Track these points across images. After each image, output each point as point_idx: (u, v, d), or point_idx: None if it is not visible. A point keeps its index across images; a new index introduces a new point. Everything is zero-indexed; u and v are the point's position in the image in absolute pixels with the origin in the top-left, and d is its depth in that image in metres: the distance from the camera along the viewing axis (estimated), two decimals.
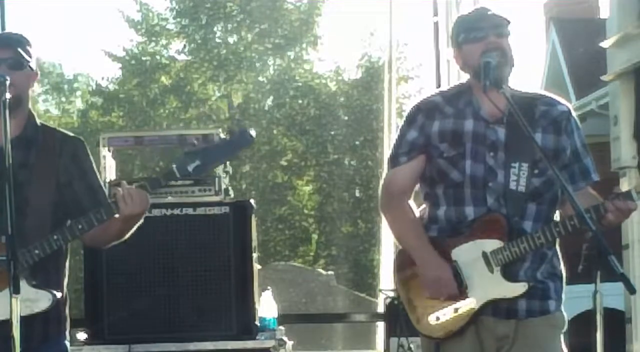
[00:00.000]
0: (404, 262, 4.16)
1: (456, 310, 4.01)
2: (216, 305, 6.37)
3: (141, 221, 3.98)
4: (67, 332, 4.10)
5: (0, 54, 3.95)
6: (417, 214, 4.17)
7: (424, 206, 4.19)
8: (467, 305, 4.00)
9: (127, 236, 4.05)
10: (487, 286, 3.99)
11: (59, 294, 3.92)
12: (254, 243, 6.56)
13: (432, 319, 4.04)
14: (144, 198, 3.85)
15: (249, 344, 6.38)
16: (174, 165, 3.86)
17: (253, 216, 6.56)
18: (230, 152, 3.91)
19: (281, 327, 6.75)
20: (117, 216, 3.90)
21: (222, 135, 3.93)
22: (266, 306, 6.75)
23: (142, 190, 3.86)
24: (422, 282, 4.02)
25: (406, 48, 26.79)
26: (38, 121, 4.10)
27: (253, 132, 3.90)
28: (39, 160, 4.00)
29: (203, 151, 3.86)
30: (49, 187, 3.97)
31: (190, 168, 3.84)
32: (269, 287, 7.08)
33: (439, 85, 8.59)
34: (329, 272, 23.03)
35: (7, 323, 3.56)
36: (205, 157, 3.85)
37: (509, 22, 4.10)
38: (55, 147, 4.04)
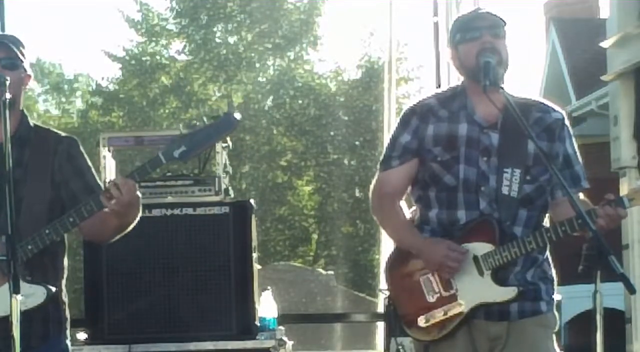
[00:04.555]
0: (395, 264, 4.18)
1: (445, 313, 4.02)
2: (216, 305, 6.37)
3: (139, 213, 3.96)
4: (67, 332, 4.11)
5: None
6: (408, 215, 4.18)
7: (414, 207, 4.20)
8: (457, 308, 4.01)
9: (129, 228, 4.03)
10: (477, 289, 4.00)
11: (53, 289, 3.92)
12: (254, 243, 6.56)
13: (421, 321, 4.05)
14: (132, 186, 3.83)
15: (249, 344, 6.38)
16: (160, 152, 3.86)
17: (253, 216, 6.56)
18: (216, 136, 3.89)
19: (281, 327, 6.75)
20: (107, 210, 3.90)
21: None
22: (266, 306, 6.75)
23: (128, 178, 3.85)
24: (431, 265, 4.00)
25: (406, 48, 26.83)
26: (31, 122, 4.12)
27: (238, 115, 3.88)
28: (33, 159, 4.01)
29: (188, 136, 3.85)
30: (44, 186, 3.99)
31: (176, 154, 3.84)
32: (269, 287, 7.08)
33: (439, 86, 8.59)
34: (329, 272, 23.04)
35: (6, 320, 3.57)
36: (190, 142, 3.84)
37: (505, 23, 4.10)
38: (50, 146, 4.06)
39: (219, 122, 3.88)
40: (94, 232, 4.05)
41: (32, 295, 3.83)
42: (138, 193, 3.87)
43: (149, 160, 3.89)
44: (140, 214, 3.98)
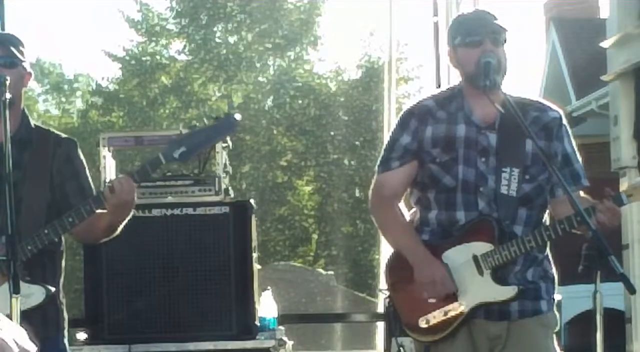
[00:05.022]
0: (395, 265, 4.17)
1: (446, 313, 4.02)
2: (216, 305, 6.37)
3: (130, 214, 3.97)
4: (65, 332, 4.11)
5: None
6: (408, 217, 4.18)
7: (414, 209, 4.20)
8: (457, 308, 4.01)
9: (118, 230, 4.05)
10: (477, 289, 4.00)
11: (53, 289, 3.92)
12: (254, 243, 6.56)
13: (422, 322, 4.05)
14: (131, 186, 3.86)
15: (249, 344, 6.38)
16: (160, 153, 3.89)
17: (253, 216, 6.56)
18: (215, 137, 3.93)
19: (281, 327, 6.75)
20: (104, 210, 3.91)
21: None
22: (266, 306, 6.74)
23: (128, 178, 3.86)
24: (417, 282, 4.02)
25: (406, 48, 26.83)
26: (32, 122, 4.12)
27: (238, 117, 3.90)
28: (33, 161, 4.02)
29: (188, 137, 3.88)
30: (43, 187, 4.00)
31: (176, 154, 3.86)
32: (269, 287, 7.08)
33: (439, 86, 8.58)
34: (329, 272, 23.04)
35: None
36: (190, 143, 3.87)
37: (506, 30, 4.09)
38: (49, 148, 4.07)
39: (220, 123, 3.89)
40: (83, 233, 4.06)
41: (31, 295, 3.83)
42: (135, 195, 3.88)
43: (148, 161, 3.90)
44: (129, 216, 3.98)
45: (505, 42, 4.08)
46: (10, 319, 3.52)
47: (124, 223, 4.01)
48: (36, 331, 3.94)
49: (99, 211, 3.92)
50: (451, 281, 3.98)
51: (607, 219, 3.89)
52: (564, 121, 4.17)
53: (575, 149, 4.17)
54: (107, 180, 6.52)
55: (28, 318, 3.79)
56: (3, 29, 7.43)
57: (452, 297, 4.01)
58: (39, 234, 3.90)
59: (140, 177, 3.89)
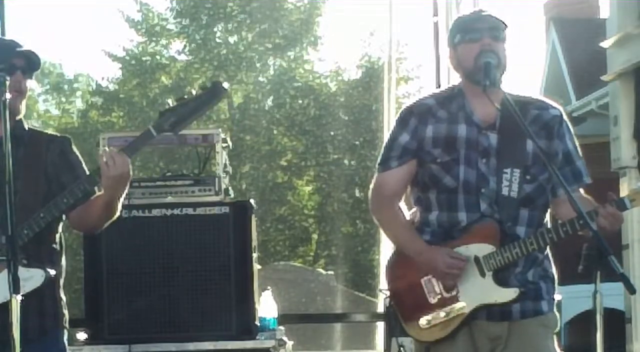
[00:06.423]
0: (396, 265, 4.18)
1: (447, 314, 4.02)
2: (216, 305, 6.37)
3: (126, 190, 3.97)
4: (65, 332, 4.11)
5: (17, 62, 4.07)
6: (408, 217, 4.18)
7: (414, 209, 4.20)
8: (458, 309, 4.01)
9: (115, 214, 4.05)
10: (479, 290, 4.00)
11: (52, 271, 3.94)
12: (254, 243, 6.56)
13: (422, 323, 4.05)
14: (125, 161, 3.87)
15: (249, 344, 6.38)
16: (150, 125, 3.93)
17: (253, 216, 6.56)
18: (204, 106, 3.97)
19: (281, 327, 6.75)
20: (99, 193, 3.93)
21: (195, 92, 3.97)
22: (266, 306, 6.75)
23: (120, 151, 3.90)
24: (434, 276, 4.02)
25: (406, 48, 26.82)
26: (26, 125, 4.19)
27: (226, 85, 3.97)
28: (27, 156, 4.08)
29: (177, 108, 3.93)
30: (37, 181, 4.05)
31: (166, 125, 3.91)
32: (269, 287, 7.08)
33: (439, 86, 8.58)
34: (329, 272, 23.02)
35: (4, 308, 3.59)
36: (180, 113, 3.92)
37: (506, 26, 4.09)
38: (42, 145, 4.14)
39: (207, 92, 3.97)
40: (81, 218, 4.07)
41: (30, 278, 3.85)
42: (129, 168, 3.89)
43: (139, 135, 3.94)
44: (126, 191, 3.99)
45: (504, 39, 4.08)
46: (10, 318, 3.53)
47: (119, 206, 4.01)
48: (34, 324, 3.96)
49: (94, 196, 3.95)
50: (461, 257, 3.96)
51: (609, 223, 3.88)
52: (565, 118, 4.17)
53: (577, 146, 4.17)
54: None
55: (26, 311, 3.79)
56: (3, 29, 7.45)
57: (453, 298, 4.01)
58: (35, 217, 3.92)
59: (132, 151, 3.92)
